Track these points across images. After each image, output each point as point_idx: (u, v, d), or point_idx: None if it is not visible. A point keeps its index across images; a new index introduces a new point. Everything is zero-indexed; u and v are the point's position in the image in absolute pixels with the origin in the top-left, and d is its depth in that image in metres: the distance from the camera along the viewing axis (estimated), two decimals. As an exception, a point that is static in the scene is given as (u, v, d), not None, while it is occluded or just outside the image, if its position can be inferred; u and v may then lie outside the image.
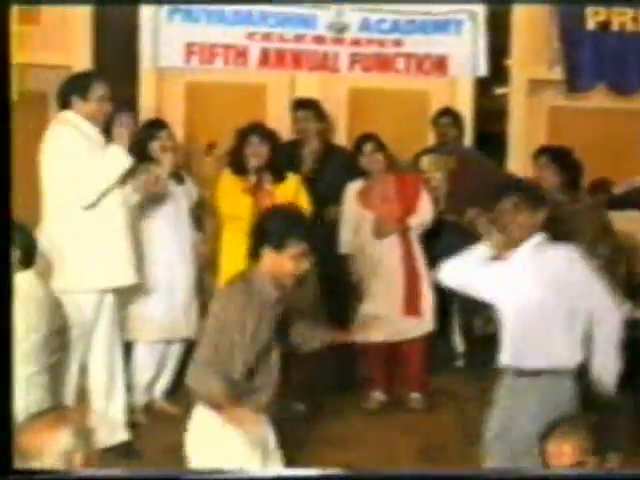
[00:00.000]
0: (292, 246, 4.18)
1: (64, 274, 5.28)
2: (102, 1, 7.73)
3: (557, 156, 6.09)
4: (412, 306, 6.33)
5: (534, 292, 4.38)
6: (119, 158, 5.35)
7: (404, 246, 6.40)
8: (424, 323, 6.42)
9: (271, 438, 4.41)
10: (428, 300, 6.41)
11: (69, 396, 5.31)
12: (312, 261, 4.26)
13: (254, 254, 4.30)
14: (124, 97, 6.14)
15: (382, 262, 6.36)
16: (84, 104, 5.43)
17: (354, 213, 6.49)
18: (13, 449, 2.77)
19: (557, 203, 6.06)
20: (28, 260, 4.63)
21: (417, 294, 6.38)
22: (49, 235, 5.33)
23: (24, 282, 4.54)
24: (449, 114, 7.21)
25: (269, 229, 4.29)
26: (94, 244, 5.34)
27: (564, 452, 3.67)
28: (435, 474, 2.35)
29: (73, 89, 5.46)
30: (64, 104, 5.48)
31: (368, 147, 6.43)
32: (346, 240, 6.55)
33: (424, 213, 6.46)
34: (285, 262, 4.19)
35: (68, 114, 5.46)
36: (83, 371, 5.46)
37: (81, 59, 7.66)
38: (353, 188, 6.53)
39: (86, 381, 5.53)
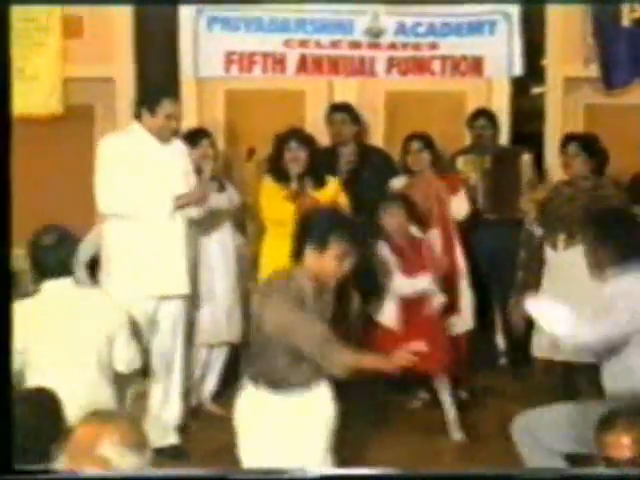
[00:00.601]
0: (334, 246, 4.14)
1: (123, 282, 5.32)
2: (141, 1, 7.77)
3: (585, 144, 6.08)
4: (450, 303, 6.30)
5: None
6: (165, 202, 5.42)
7: (444, 242, 6.37)
8: (463, 321, 6.39)
9: None
10: (467, 297, 6.39)
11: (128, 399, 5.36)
12: (354, 261, 4.21)
13: (297, 254, 4.27)
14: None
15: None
16: (151, 118, 5.48)
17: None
18: (13, 449, 2.78)
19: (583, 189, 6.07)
20: (66, 268, 4.64)
21: (456, 291, 6.35)
22: (106, 243, 5.44)
23: (60, 289, 4.60)
24: (484, 115, 7.18)
25: (312, 229, 4.26)
26: (150, 253, 5.40)
27: (623, 444, 3.62)
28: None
29: (143, 102, 5.54)
30: (135, 114, 5.57)
31: (415, 145, 6.44)
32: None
33: (457, 208, 6.45)
34: (327, 262, 4.16)
35: (135, 125, 5.55)
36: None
37: (124, 71, 7.72)
38: (395, 183, 6.55)
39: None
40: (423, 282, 5.96)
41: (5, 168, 2.30)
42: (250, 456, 4.35)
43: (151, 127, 5.49)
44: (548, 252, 6.20)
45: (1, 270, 2.29)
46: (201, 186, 5.64)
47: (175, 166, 5.56)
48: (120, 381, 4.77)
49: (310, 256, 4.20)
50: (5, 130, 2.27)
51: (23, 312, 4.44)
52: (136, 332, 4.91)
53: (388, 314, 5.88)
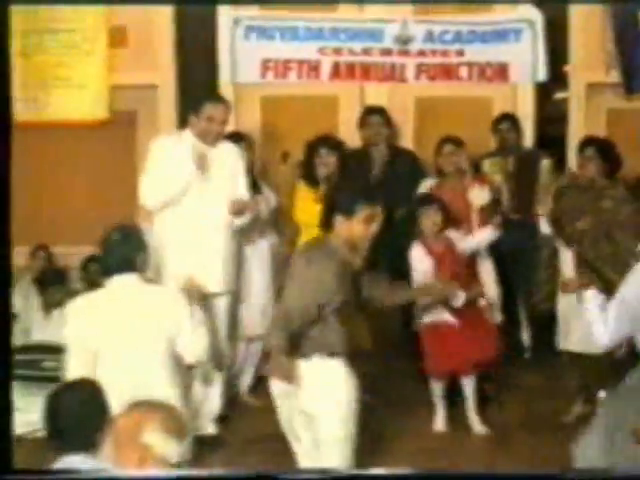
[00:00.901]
0: (360, 210, 4.32)
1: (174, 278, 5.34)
2: (181, 6, 7.78)
3: (601, 148, 6.02)
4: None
5: None
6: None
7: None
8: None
9: None
10: (492, 292, 6.33)
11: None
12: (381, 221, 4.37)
13: (326, 225, 4.44)
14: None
15: None
16: (196, 122, 5.53)
17: None
18: (13, 449, 2.76)
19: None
20: (130, 264, 4.68)
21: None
22: (156, 239, 5.45)
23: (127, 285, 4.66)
24: (508, 119, 7.14)
25: (338, 198, 4.45)
26: (190, 252, 5.43)
27: None
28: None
29: (189, 107, 5.64)
30: (186, 119, 5.66)
31: (447, 148, 6.39)
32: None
33: (476, 196, 6.34)
34: (356, 226, 4.33)
35: (187, 130, 5.63)
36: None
37: (166, 78, 7.75)
38: (426, 184, 6.50)
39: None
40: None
41: (5, 169, 2.28)
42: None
43: (196, 130, 5.53)
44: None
45: (1, 270, 2.27)
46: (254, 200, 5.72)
47: (221, 168, 5.58)
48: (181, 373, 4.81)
49: (339, 223, 4.36)
50: (5, 130, 2.25)
51: (89, 304, 4.68)
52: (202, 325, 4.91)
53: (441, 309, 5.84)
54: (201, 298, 5.17)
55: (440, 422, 5.89)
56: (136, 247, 4.72)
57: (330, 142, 6.27)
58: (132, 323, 4.56)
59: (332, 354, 4.33)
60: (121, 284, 4.66)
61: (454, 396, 6.02)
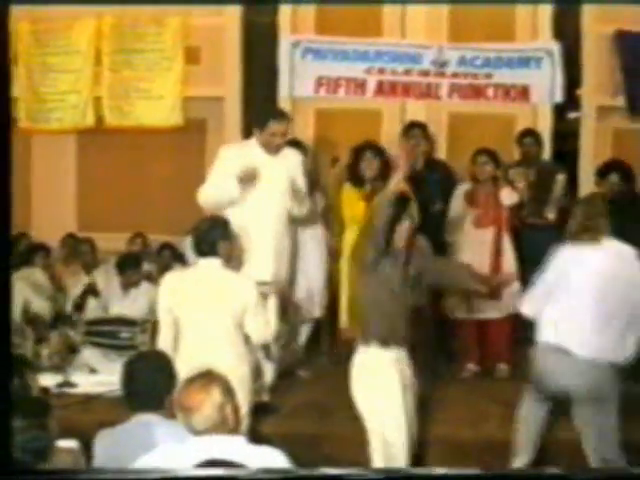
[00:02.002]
0: None
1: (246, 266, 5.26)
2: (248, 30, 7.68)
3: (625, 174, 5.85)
4: (495, 290, 6.04)
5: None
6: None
7: (496, 239, 6.14)
8: (504, 306, 6.11)
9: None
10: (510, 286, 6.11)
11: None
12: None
13: None
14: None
15: (477, 250, 6.07)
16: (260, 135, 5.44)
17: (460, 209, 6.28)
18: (13, 449, 2.61)
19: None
20: (215, 249, 4.62)
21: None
22: None
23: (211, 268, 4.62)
24: (531, 134, 6.94)
25: None
26: (260, 243, 5.33)
27: None
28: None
29: (254, 122, 5.61)
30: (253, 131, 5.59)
31: (481, 159, 6.19)
32: (451, 229, 6.34)
33: (506, 196, 6.18)
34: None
35: (253, 139, 5.55)
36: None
37: (233, 91, 7.67)
38: (462, 188, 6.33)
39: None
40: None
41: (5, 167, 2.08)
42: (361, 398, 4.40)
43: (260, 141, 5.46)
44: None
45: (1, 267, 2.07)
46: None
47: (280, 171, 5.46)
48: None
49: None
50: (5, 129, 2.06)
51: (176, 279, 4.76)
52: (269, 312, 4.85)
53: None
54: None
55: None
56: (221, 235, 4.66)
57: (374, 147, 6.18)
58: (209, 301, 4.53)
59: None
60: (205, 266, 4.62)
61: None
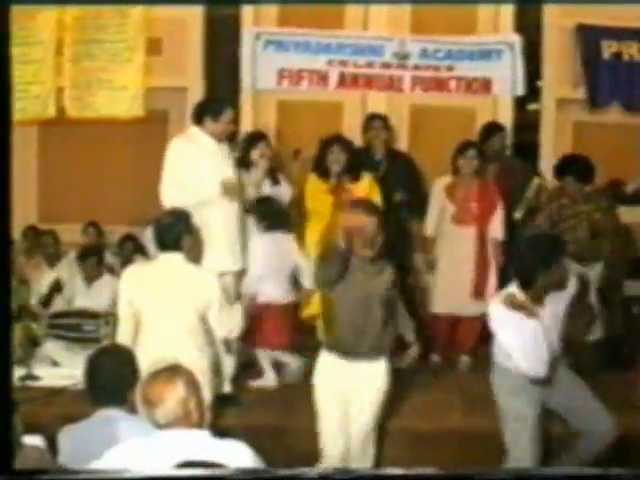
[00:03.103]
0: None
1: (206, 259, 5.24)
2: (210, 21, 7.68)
3: (578, 173, 5.88)
4: (479, 290, 6.08)
5: None
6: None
7: (479, 238, 6.14)
8: (485, 305, 6.16)
9: None
10: (493, 286, 6.11)
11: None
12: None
13: None
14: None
15: (458, 247, 6.12)
16: (214, 125, 5.34)
17: (440, 203, 6.22)
18: (13, 449, 2.65)
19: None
20: (178, 244, 4.65)
21: (484, 281, 6.12)
22: None
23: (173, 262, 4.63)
24: (498, 130, 6.87)
25: None
26: (213, 235, 5.25)
27: None
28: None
29: (207, 111, 5.37)
30: (196, 120, 5.42)
31: (470, 153, 6.15)
32: (431, 224, 6.27)
33: (493, 230, 6.16)
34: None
35: (193, 130, 5.42)
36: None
37: (195, 82, 7.68)
38: (441, 182, 6.26)
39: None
40: None
41: (5, 164, 2.12)
42: (322, 404, 4.46)
43: (213, 132, 5.36)
44: None
45: (1, 264, 2.11)
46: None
47: (228, 161, 5.44)
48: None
49: None
50: (5, 128, 2.09)
51: (137, 273, 4.78)
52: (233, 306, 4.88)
53: None
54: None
55: None
56: (185, 230, 4.69)
57: (342, 141, 6.15)
58: (171, 295, 4.56)
59: None
60: (168, 260, 4.65)
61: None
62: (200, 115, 5.39)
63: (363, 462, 4.45)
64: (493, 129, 6.86)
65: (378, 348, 4.37)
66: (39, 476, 2.27)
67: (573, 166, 5.98)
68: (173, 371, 3.23)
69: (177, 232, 4.65)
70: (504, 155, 6.93)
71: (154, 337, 4.51)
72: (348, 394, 4.38)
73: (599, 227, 5.91)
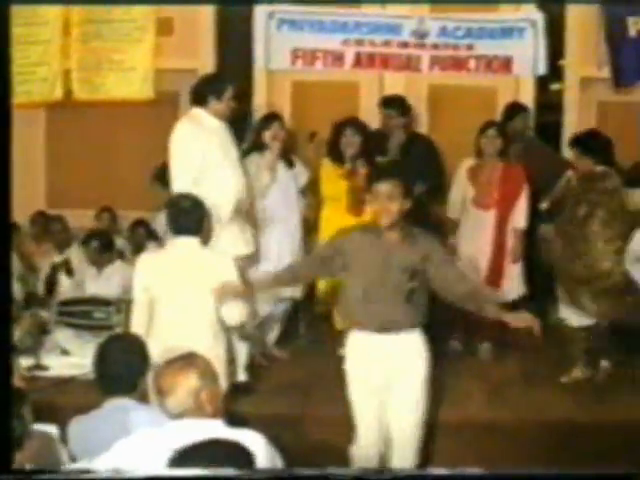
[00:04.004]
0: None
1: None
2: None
3: (586, 145, 5.72)
4: (493, 278, 6.01)
5: None
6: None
7: (498, 223, 6.06)
8: (513, 288, 6.08)
9: None
10: (509, 274, 6.07)
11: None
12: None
13: None
14: (241, 93, 6.05)
15: (477, 231, 6.06)
16: (217, 103, 5.27)
17: (462, 185, 6.18)
18: (13, 449, 2.62)
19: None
20: (199, 228, 4.66)
21: (500, 269, 6.05)
22: None
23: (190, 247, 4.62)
24: (522, 110, 6.85)
25: None
26: (220, 219, 5.16)
27: None
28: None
29: (210, 90, 5.28)
30: (199, 101, 5.32)
31: (491, 132, 6.09)
32: (454, 207, 6.27)
33: (522, 209, 6.08)
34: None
35: (196, 111, 5.32)
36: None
37: (206, 63, 7.65)
38: (465, 164, 6.22)
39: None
40: None
41: (5, 156, 2.09)
42: (355, 387, 4.30)
43: (217, 110, 5.29)
44: None
45: (1, 257, 2.07)
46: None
47: (231, 141, 5.39)
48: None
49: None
50: (5, 126, 2.06)
51: (153, 259, 4.77)
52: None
53: None
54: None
55: None
56: (203, 214, 4.69)
57: (356, 124, 6.09)
58: (188, 281, 4.53)
59: None
60: (184, 245, 4.62)
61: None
62: (203, 95, 5.31)
63: (404, 460, 4.29)
64: (516, 109, 6.84)
65: (408, 319, 4.20)
66: (39, 476, 2.25)
67: (585, 140, 5.82)
68: (188, 361, 3.21)
69: (197, 216, 4.64)
70: (527, 136, 6.88)
71: (169, 324, 4.49)
72: (385, 376, 4.21)
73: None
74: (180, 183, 5.12)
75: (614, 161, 5.75)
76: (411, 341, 4.24)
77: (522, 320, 4.20)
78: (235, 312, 4.61)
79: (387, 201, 4.09)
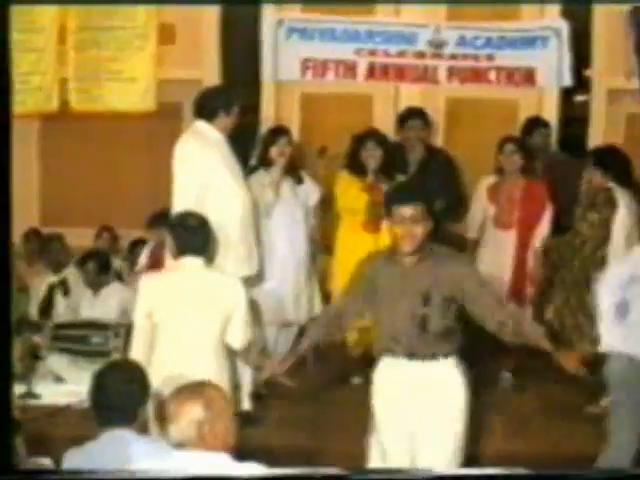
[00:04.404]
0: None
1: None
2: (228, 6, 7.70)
3: (599, 160, 5.76)
4: (514, 301, 6.05)
5: None
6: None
7: (520, 243, 6.11)
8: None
9: None
10: (529, 295, 6.11)
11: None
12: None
13: None
14: (248, 106, 6.09)
15: (497, 252, 6.12)
16: (225, 117, 5.36)
17: (482, 204, 6.27)
18: (13, 449, 2.66)
19: None
20: (205, 248, 4.70)
21: (522, 292, 6.08)
22: None
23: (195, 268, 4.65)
24: (541, 125, 6.86)
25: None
26: (226, 239, 5.21)
27: None
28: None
29: (220, 104, 5.36)
30: (206, 115, 5.37)
31: (509, 148, 6.16)
32: (473, 226, 6.36)
33: (545, 228, 6.11)
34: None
35: (199, 124, 5.38)
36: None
37: (211, 74, 7.72)
38: (485, 183, 6.30)
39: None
40: None
41: (5, 164, 2.15)
42: (385, 419, 4.19)
43: (224, 125, 5.38)
44: None
45: (1, 264, 2.12)
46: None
47: (234, 158, 5.45)
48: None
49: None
50: (5, 128, 2.12)
51: (157, 281, 4.75)
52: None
53: None
54: None
55: None
56: (209, 234, 4.74)
57: (377, 136, 6.18)
58: (193, 305, 4.55)
59: None
60: (190, 266, 4.64)
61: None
62: (213, 109, 5.36)
63: None
64: (534, 124, 6.84)
65: (441, 345, 4.13)
66: (39, 476, 2.30)
67: (601, 153, 5.85)
68: (196, 390, 3.24)
69: (204, 235, 4.68)
70: (549, 152, 6.90)
71: (172, 350, 4.50)
72: (417, 409, 4.12)
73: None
74: (184, 201, 5.17)
75: (631, 182, 5.76)
76: (444, 369, 4.16)
77: (572, 361, 4.16)
78: (240, 334, 4.64)
79: (411, 225, 4.01)
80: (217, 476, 2.36)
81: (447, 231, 6.49)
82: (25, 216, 7.86)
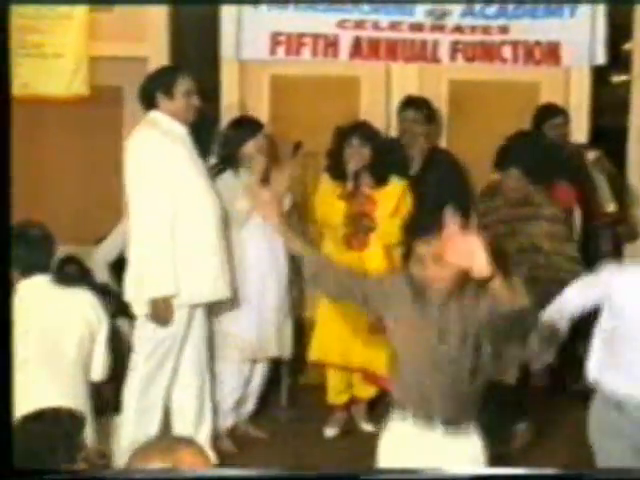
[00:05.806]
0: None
1: (153, 286, 5.35)
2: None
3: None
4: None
5: None
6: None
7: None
8: None
9: None
10: None
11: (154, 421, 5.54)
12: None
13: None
14: (204, 91, 6.17)
15: None
16: (169, 102, 5.50)
17: None
18: (13, 449, 2.88)
19: None
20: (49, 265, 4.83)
21: None
22: (138, 245, 5.41)
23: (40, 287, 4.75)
24: (560, 113, 7.08)
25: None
26: (184, 256, 5.39)
27: None
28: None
29: (157, 86, 5.52)
30: (149, 103, 5.55)
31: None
32: None
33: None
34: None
35: (155, 115, 5.54)
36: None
37: (158, 49, 7.61)
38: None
39: (171, 405, 5.69)
40: None
41: (5, 160, 2.38)
42: None
43: (172, 111, 5.52)
44: None
45: (1, 263, 2.36)
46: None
47: (195, 151, 5.62)
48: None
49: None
50: (4, 129, 2.35)
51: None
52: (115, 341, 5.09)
53: None
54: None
55: None
56: (52, 245, 4.84)
57: (364, 131, 6.23)
58: (45, 330, 4.68)
59: None
60: (37, 287, 4.75)
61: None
62: (149, 92, 5.55)
63: None
64: (547, 113, 7.03)
65: (463, 412, 4.11)
66: (39, 476, 2.54)
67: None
68: (165, 451, 3.39)
69: (48, 250, 4.79)
70: (566, 147, 7.05)
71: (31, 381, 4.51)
72: None
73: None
74: (145, 208, 5.34)
75: None
76: (462, 443, 4.12)
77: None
78: (100, 365, 4.86)
79: (440, 265, 3.93)
80: (217, 476, 2.58)
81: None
82: None
